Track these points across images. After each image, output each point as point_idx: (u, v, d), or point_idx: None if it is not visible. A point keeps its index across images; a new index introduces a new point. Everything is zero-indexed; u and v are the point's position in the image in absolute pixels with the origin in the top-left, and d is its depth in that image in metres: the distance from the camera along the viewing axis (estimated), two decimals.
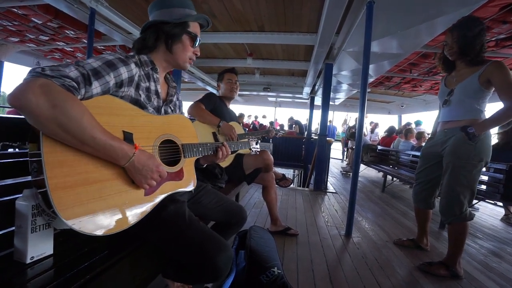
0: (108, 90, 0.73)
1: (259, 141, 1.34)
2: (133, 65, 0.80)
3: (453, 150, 1.61)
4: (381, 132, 7.95)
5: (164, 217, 0.83)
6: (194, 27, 0.94)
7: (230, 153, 1.16)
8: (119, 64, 0.75)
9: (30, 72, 0.58)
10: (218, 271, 0.78)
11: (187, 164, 0.97)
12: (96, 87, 0.68)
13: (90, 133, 0.60)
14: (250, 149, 1.26)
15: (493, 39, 2.93)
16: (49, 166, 0.56)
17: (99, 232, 0.63)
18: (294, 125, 9.08)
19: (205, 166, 1.18)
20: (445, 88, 1.75)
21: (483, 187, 2.43)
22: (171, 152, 0.91)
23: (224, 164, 1.76)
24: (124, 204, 0.70)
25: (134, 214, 0.72)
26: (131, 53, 0.89)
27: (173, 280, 1.00)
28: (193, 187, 0.99)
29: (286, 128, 10.11)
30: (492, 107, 1.58)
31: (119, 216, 0.68)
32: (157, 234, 0.82)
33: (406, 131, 5.19)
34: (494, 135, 2.78)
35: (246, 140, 1.27)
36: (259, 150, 1.30)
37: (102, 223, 0.64)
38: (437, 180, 1.83)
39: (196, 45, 0.96)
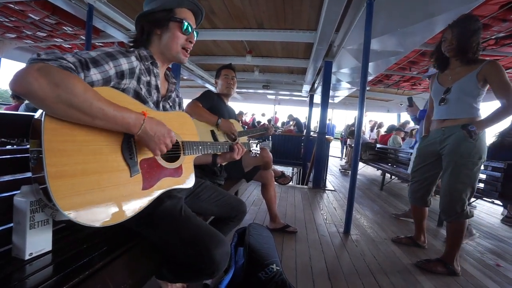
0: (109, 79, 0.73)
1: (259, 144, 1.37)
2: (133, 58, 0.81)
3: (454, 149, 1.61)
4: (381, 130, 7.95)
5: (161, 212, 0.82)
6: (182, 13, 0.91)
7: (245, 149, 1.17)
8: (118, 55, 0.76)
9: (28, 61, 0.58)
10: (215, 265, 0.77)
11: (186, 162, 0.97)
12: (95, 73, 0.68)
13: (97, 105, 0.61)
14: (250, 150, 1.28)
15: (493, 37, 2.93)
16: (49, 153, 0.57)
17: (96, 223, 0.63)
18: (291, 121, 9.00)
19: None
20: (440, 86, 1.75)
21: (481, 185, 2.44)
22: (171, 148, 0.91)
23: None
24: (121, 197, 0.70)
25: (131, 207, 0.72)
26: (131, 49, 0.89)
27: (169, 281, 0.97)
28: (191, 185, 0.99)
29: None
30: (485, 107, 1.61)
31: (116, 208, 0.68)
32: (154, 229, 0.82)
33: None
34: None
35: (247, 141, 1.28)
36: (258, 152, 1.32)
37: (99, 215, 0.64)
38: (433, 178, 1.84)
39: (185, 29, 0.91)
